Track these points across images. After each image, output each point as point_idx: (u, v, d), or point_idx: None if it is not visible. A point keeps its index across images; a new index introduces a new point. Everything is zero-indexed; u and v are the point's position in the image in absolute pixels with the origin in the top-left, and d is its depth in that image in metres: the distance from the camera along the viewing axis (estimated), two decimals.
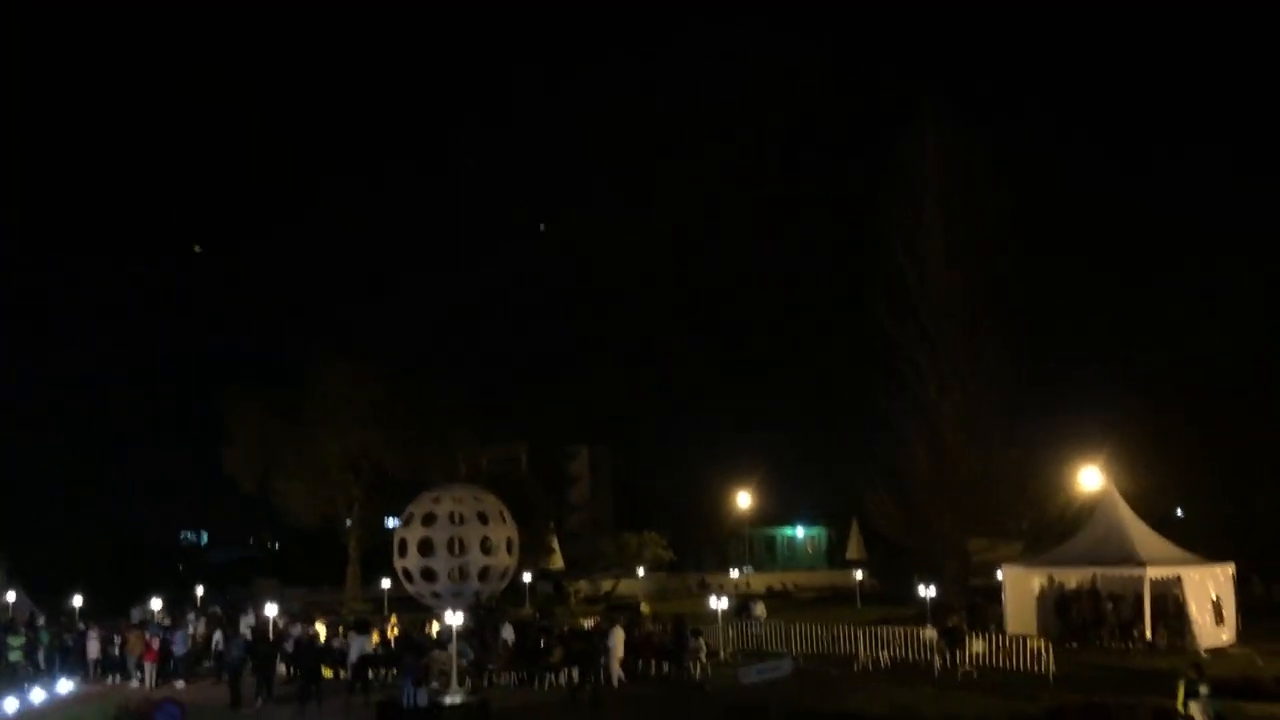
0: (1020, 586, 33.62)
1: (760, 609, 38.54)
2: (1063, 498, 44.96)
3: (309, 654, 27.19)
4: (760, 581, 62.52)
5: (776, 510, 79.10)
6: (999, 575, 34.88)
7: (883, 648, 29.76)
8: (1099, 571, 32.17)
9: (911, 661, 28.93)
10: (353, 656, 27.15)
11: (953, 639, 28.05)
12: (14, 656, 31.84)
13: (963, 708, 22.67)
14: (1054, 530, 41.05)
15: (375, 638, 29.46)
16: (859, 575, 51.49)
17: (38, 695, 29.77)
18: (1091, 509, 35.78)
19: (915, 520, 41.14)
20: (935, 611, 31.38)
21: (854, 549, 64.34)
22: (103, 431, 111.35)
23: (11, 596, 43.98)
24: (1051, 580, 33.34)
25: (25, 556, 52.20)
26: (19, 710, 28.73)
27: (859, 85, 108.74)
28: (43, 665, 31.69)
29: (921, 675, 27.08)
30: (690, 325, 77.30)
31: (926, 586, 32.53)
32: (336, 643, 29.58)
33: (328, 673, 27.22)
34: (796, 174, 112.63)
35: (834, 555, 72.99)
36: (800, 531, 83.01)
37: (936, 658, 27.91)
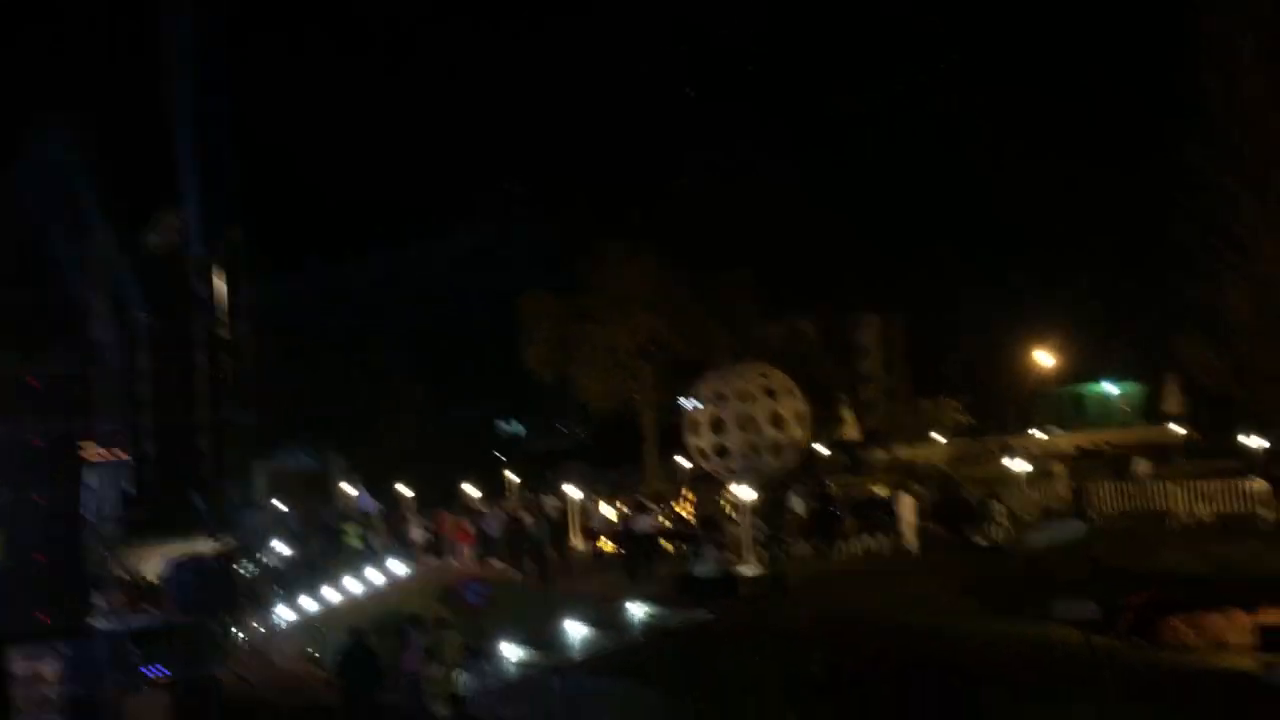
0: None
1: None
2: None
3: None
4: (1069, 441, 59.78)
5: (1084, 367, 75.11)
6: None
7: (1202, 502, 27.80)
8: None
9: (1237, 516, 26.87)
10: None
11: None
12: (353, 543, 35.11)
13: None
14: None
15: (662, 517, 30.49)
16: (1178, 429, 48.36)
17: (375, 576, 32.97)
18: None
19: (1239, 368, 37.85)
20: (1267, 463, 28.99)
21: (1171, 403, 60.19)
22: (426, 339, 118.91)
23: (351, 490, 48.58)
24: None
25: (362, 450, 57.86)
26: (364, 591, 31.99)
27: None
28: (376, 550, 34.76)
29: (1248, 530, 25.11)
30: (975, 179, 72.75)
31: (1250, 436, 30.01)
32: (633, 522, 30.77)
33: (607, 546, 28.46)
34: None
35: (1150, 411, 68.68)
36: (1111, 388, 78.71)
37: (1264, 511, 25.80)
